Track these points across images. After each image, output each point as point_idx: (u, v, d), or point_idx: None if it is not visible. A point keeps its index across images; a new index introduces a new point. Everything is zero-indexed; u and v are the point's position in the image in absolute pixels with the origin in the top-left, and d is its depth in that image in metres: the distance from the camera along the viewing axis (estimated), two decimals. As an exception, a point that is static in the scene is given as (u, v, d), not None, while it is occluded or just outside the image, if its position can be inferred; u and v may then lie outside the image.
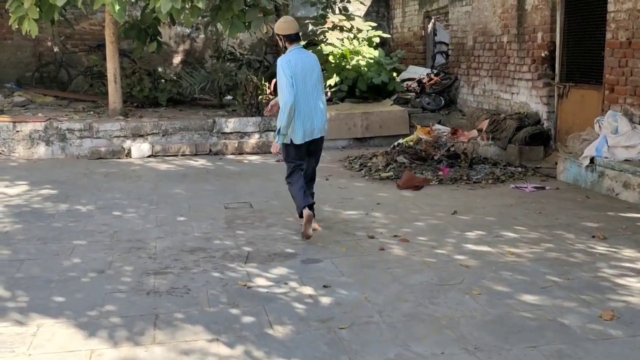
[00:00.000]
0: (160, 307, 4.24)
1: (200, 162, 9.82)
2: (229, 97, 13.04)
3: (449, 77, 11.90)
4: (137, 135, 10.36)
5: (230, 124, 10.68)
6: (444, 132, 9.20)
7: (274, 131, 6.85)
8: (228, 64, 12.84)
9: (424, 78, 12.31)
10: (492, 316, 4.01)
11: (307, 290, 4.51)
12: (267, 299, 4.35)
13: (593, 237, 5.62)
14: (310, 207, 5.59)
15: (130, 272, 4.94)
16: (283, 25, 5.74)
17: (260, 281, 4.71)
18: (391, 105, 11.80)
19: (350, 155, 10.12)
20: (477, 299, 4.29)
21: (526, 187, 7.61)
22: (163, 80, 12.73)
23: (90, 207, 6.99)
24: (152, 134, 10.42)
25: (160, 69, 14.06)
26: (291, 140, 5.67)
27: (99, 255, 5.36)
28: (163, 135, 10.48)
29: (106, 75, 11.27)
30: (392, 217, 6.46)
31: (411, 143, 9.09)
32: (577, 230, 5.85)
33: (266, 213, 6.70)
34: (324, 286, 4.56)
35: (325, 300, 4.33)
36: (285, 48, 5.77)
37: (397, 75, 12.79)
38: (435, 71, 12.52)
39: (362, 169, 8.92)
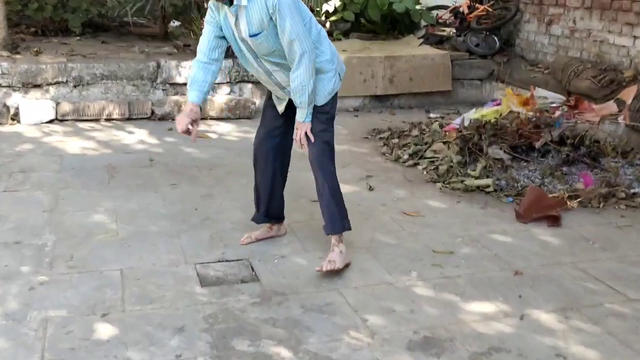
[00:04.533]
0: None
1: (137, 135, 5.93)
2: (176, 24, 8.95)
3: (506, 6, 8.16)
4: (30, 84, 6.29)
5: (185, 70, 6.66)
6: (554, 103, 5.59)
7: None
8: (175, -27, 8.64)
9: (460, 6, 8.55)
10: None
11: None
12: None
13: None
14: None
15: None
16: None
17: None
18: (420, 45, 8.07)
19: (377, 125, 6.44)
20: None
21: None
22: (76, -5, 8.45)
23: None
24: (56, 82, 6.38)
25: (72, -23, 9.68)
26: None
27: None
28: (75, 86, 6.45)
29: (-18, -17, 7.01)
30: (586, 333, 2.90)
31: (497, 117, 5.44)
32: None
33: (293, 303, 3.03)
34: None
35: None
36: None
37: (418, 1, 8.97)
38: (477, -4, 8.75)
39: (418, 163, 5.27)
